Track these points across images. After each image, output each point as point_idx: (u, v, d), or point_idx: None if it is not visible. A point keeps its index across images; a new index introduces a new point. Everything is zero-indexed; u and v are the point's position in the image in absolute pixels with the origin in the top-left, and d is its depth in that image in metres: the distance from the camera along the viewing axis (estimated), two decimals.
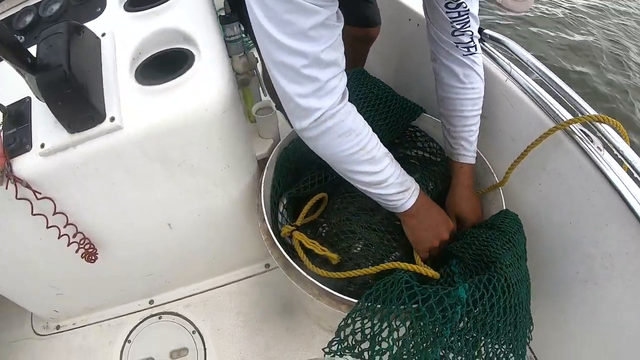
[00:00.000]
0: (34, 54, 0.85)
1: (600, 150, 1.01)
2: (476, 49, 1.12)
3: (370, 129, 0.95)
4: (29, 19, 1.16)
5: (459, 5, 1.03)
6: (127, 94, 0.97)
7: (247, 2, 0.79)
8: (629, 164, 0.94)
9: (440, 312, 0.84)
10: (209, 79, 0.99)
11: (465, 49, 1.10)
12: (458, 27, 1.06)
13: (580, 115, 1.02)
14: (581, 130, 1.05)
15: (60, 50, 0.85)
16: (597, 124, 1.00)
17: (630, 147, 0.97)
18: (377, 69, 1.92)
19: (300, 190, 1.23)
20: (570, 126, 1.05)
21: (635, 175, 0.93)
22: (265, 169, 1.22)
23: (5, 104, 1.00)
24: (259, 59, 1.34)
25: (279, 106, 1.01)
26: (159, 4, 1.11)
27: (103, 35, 1.06)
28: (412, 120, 1.38)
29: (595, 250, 1.04)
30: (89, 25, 1.08)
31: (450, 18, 1.05)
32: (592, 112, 1.02)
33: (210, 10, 1.13)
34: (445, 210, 1.16)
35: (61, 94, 0.86)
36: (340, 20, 0.85)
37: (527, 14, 5.06)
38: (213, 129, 1.02)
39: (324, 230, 1.23)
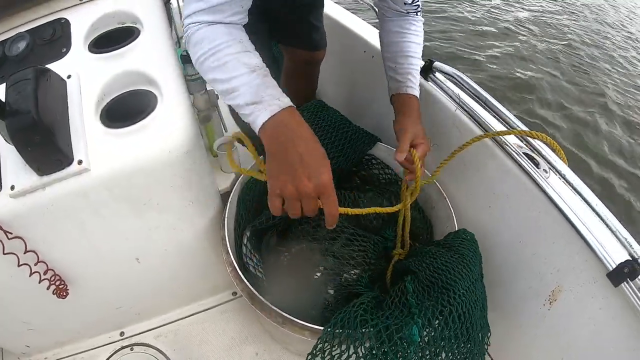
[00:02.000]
0: (2, 97, 0.90)
1: (546, 173, 1.13)
2: (419, 10, 1.28)
3: (238, 40, 0.91)
4: None
5: None
6: (94, 137, 1.03)
7: None
8: (565, 180, 1.07)
9: (392, 345, 0.93)
10: (171, 121, 1.05)
11: (413, 11, 1.26)
12: None
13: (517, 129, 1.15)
14: (525, 154, 1.17)
15: (29, 97, 0.90)
16: (539, 145, 1.13)
17: (567, 160, 1.11)
18: (334, 98, 2.04)
19: (263, 223, 1.29)
20: (515, 154, 1.17)
21: (576, 193, 1.05)
22: (228, 203, 1.29)
23: None
24: (219, 95, 1.45)
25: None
26: (123, 46, 1.17)
27: (69, 77, 1.11)
28: (369, 149, 1.48)
29: (545, 266, 1.15)
30: (55, 65, 1.14)
31: None
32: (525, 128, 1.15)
33: (172, 50, 1.20)
34: (397, 136, 1.18)
35: (30, 140, 0.91)
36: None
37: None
38: (177, 168, 1.08)
39: (286, 259, 1.32)
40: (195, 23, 0.88)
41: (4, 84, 0.95)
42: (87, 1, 1.27)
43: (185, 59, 1.27)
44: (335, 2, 2.10)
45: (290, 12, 1.61)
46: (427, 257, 1.13)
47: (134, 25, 1.24)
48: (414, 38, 1.28)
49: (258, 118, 0.85)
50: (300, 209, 0.85)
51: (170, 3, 1.49)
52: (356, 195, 1.37)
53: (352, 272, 1.24)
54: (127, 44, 1.18)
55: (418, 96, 1.27)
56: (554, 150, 1.13)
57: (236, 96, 0.88)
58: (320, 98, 2.02)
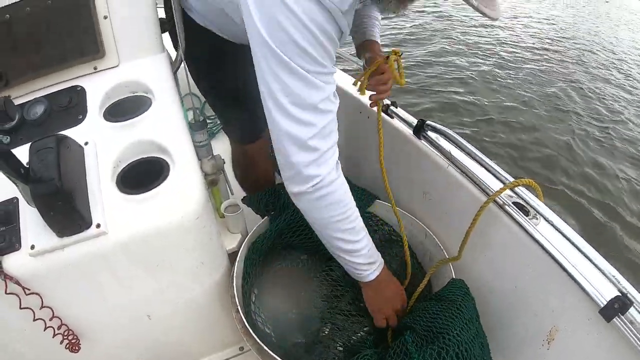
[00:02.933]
0: (20, 156, 0.95)
1: (537, 220, 1.22)
2: None
3: (354, 201, 1.14)
4: (10, 112, 1.25)
5: None
6: (111, 202, 1.10)
7: (262, 74, 0.96)
8: (554, 226, 1.16)
9: None
10: (183, 189, 1.13)
11: None
12: None
13: (505, 184, 1.24)
14: (515, 203, 1.25)
15: (52, 164, 0.97)
16: (526, 193, 1.22)
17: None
18: None
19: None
20: (506, 205, 1.27)
21: (564, 238, 1.13)
22: (236, 263, 1.35)
23: None
24: (225, 160, 1.54)
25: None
26: (136, 116, 1.25)
27: (86, 144, 1.18)
28: (367, 207, 1.57)
29: (541, 308, 1.21)
30: (72, 131, 1.22)
31: None
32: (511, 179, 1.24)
33: (182, 119, 1.28)
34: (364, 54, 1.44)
35: (53, 205, 0.97)
36: (337, 96, 1.04)
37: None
38: (188, 233, 1.15)
39: (294, 316, 1.37)
40: (320, 176, 1.03)
41: (27, 148, 1.01)
42: (102, 70, 1.36)
43: (193, 127, 1.37)
44: None
45: None
46: (422, 311, 1.22)
47: (146, 95, 1.33)
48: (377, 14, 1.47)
49: (370, 275, 1.22)
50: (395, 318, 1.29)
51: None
52: None
53: (359, 332, 1.32)
54: (140, 114, 1.26)
55: (378, 41, 1.47)
56: (537, 196, 1.23)
57: (358, 255, 1.17)
58: None
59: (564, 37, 10.74)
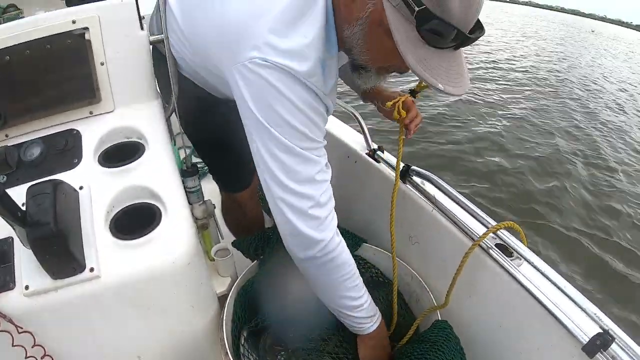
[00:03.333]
0: (16, 197, 0.98)
1: (520, 260, 1.27)
2: None
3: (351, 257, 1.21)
4: (10, 160, 1.28)
5: None
6: (104, 246, 1.12)
7: (258, 152, 1.04)
8: (535, 267, 1.22)
9: None
10: (175, 235, 1.17)
11: None
12: None
13: (489, 227, 1.29)
14: (497, 245, 1.31)
15: (48, 210, 0.99)
16: (508, 235, 1.29)
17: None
18: None
19: (259, 324, 1.39)
20: (490, 248, 1.33)
21: (545, 278, 1.19)
22: (226, 306, 1.38)
23: None
24: (216, 205, 1.58)
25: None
26: (130, 162, 1.29)
27: (81, 188, 1.21)
28: (355, 250, 1.60)
29: (527, 346, 1.26)
30: (67, 175, 1.25)
31: None
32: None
33: (174, 166, 1.32)
34: (381, 96, 1.45)
35: (49, 249, 1.00)
36: (329, 166, 1.13)
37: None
38: (179, 277, 1.19)
39: (283, 358, 1.40)
40: (325, 240, 1.11)
41: (23, 188, 1.04)
42: (97, 114, 1.41)
43: (184, 174, 1.42)
44: None
45: None
46: (407, 354, 1.28)
47: (139, 141, 1.37)
48: None
49: (371, 327, 1.27)
50: None
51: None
52: None
53: None
54: (134, 160, 1.30)
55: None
56: (520, 239, 1.29)
57: (361, 310, 1.23)
58: None
59: (554, 72, 11.37)
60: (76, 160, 1.31)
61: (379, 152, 1.76)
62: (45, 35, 1.35)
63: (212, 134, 1.55)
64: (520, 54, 14.59)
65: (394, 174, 1.55)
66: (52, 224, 0.99)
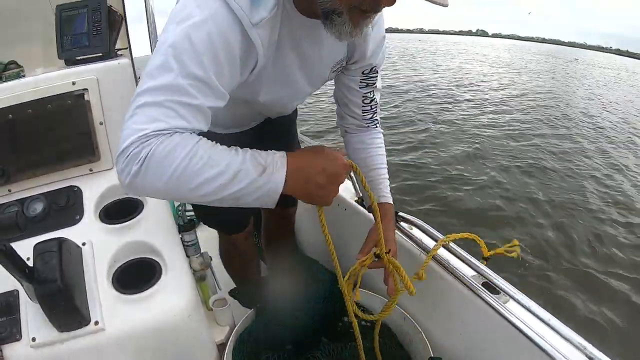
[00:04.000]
0: (21, 250, 1.04)
1: (506, 297, 1.32)
2: (378, 124, 1.47)
3: (203, 138, 0.89)
4: (21, 223, 1.36)
5: (372, 100, 1.39)
6: (107, 300, 1.20)
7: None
8: (520, 304, 1.29)
9: None
10: (175, 290, 1.26)
11: (373, 125, 1.45)
12: (367, 115, 1.42)
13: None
14: (484, 284, 1.36)
15: (55, 268, 1.08)
16: (493, 275, 1.36)
17: None
18: (314, 246, 2.25)
19: None
20: (476, 285, 1.39)
21: (530, 313, 1.25)
22: (225, 355, 1.42)
23: None
24: (212, 257, 1.66)
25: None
26: (130, 219, 1.37)
27: (83, 244, 1.29)
28: None
29: None
30: (70, 231, 1.33)
31: (362, 108, 1.40)
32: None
33: (171, 222, 1.41)
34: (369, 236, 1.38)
35: (55, 304, 1.08)
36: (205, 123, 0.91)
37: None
38: (180, 329, 1.26)
39: None
40: (147, 136, 0.82)
41: (27, 243, 1.14)
42: (97, 172, 1.50)
43: (182, 228, 1.51)
44: None
45: None
46: None
47: (138, 198, 1.46)
48: (378, 150, 1.46)
49: (277, 179, 0.92)
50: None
51: None
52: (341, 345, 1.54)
53: None
54: (134, 217, 1.39)
55: (391, 202, 1.47)
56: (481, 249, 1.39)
57: (241, 179, 0.88)
58: (302, 248, 2.25)
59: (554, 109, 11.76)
60: (78, 217, 1.39)
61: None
62: (47, 96, 1.45)
63: None
64: (515, 93, 15.03)
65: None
66: (58, 281, 1.07)
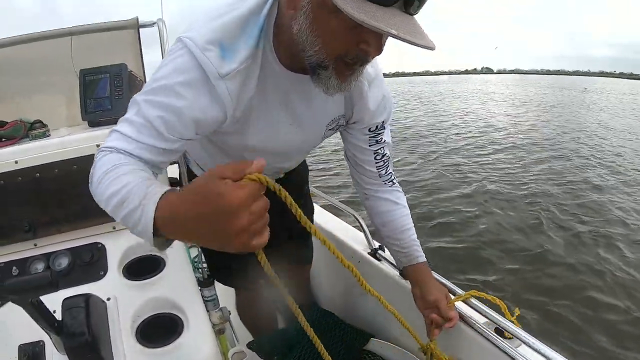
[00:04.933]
0: (48, 303, 1.14)
1: (517, 342, 1.36)
2: (395, 179, 1.49)
3: (138, 166, 0.95)
4: (40, 267, 1.51)
5: (384, 156, 1.42)
6: (131, 354, 1.29)
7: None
8: (533, 348, 1.33)
9: None
10: (196, 344, 1.34)
11: (389, 182, 1.48)
12: (382, 171, 1.44)
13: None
14: (495, 330, 1.42)
15: (82, 321, 1.18)
16: (503, 320, 1.41)
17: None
18: (329, 299, 2.34)
19: None
20: (488, 331, 1.43)
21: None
22: None
23: (18, 342, 1.28)
24: (231, 311, 1.76)
25: None
26: (152, 276, 1.49)
27: (108, 299, 1.39)
28: (363, 345, 1.73)
29: None
30: (94, 285, 1.45)
31: (376, 165, 1.42)
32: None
33: (192, 278, 1.51)
34: (433, 304, 1.45)
35: (83, 356, 1.18)
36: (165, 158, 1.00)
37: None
38: None
39: None
40: (105, 149, 0.97)
41: (54, 296, 1.16)
42: (120, 229, 1.62)
43: (201, 284, 1.61)
44: (322, 206, 2.49)
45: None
46: None
47: (160, 255, 1.58)
48: (404, 211, 1.51)
49: (146, 223, 0.79)
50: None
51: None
52: None
53: None
54: (156, 274, 1.50)
55: (425, 259, 1.53)
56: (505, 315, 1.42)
57: (126, 205, 0.84)
58: (316, 300, 2.34)
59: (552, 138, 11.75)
60: (102, 273, 1.50)
61: (380, 252, 1.93)
62: (72, 157, 1.59)
63: None
64: (532, 132, 14.93)
65: (396, 272, 1.73)
66: (86, 335, 1.18)
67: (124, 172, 0.90)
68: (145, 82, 1.61)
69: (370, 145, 1.40)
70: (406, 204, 1.54)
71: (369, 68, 1.20)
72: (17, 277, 1.37)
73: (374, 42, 0.91)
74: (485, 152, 11.23)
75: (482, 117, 20.29)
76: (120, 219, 0.89)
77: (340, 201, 2.32)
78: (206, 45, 0.97)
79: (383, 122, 1.37)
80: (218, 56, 0.98)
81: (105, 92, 1.78)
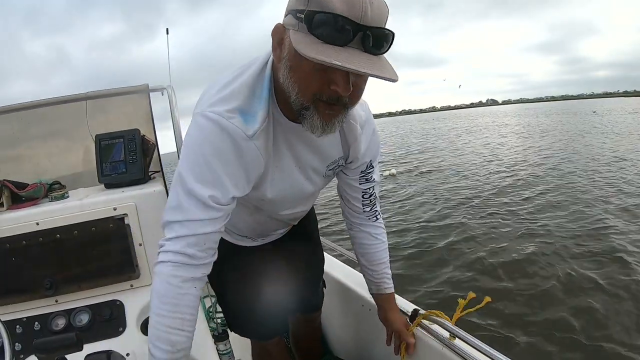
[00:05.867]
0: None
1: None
2: (379, 216, 1.71)
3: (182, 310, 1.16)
4: (61, 323, 1.64)
5: (371, 195, 1.63)
6: None
7: None
8: None
9: None
10: None
11: (373, 217, 1.69)
12: (367, 208, 1.66)
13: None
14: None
15: None
16: None
17: None
18: (341, 345, 2.47)
19: None
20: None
21: None
22: None
23: None
24: None
25: None
26: None
27: (127, 355, 1.51)
28: None
29: None
30: (114, 341, 1.58)
31: (362, 202, 1.63)
32: None
33: (207, 333, 1.64)
34: (385, 325, 1.79)
35: None
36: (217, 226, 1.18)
37: None
38: None
39: None
40: (165, 252, 1.14)
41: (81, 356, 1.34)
42: (137, 287, 1.76)
43: (217, 338, 1.73)
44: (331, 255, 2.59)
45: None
46: None
47: None
48: (381, 246, 1.74)
49: None
50: None
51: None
52: None
53: None
54: None
55: (393, 290, 1.80)
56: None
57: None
58: (331, 348, 2.48)
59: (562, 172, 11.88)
60: (121, 329, 1.64)
61: None
62: (91, 219, 1.74)
63: (237, 283, 1.79)
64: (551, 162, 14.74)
65: (403, 318, 1.84)
66: None
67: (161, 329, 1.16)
68: (157, 146, 1.79)
69: (360, 184, 1.59)
70: (385, 240, 1.76)
71: (360, 111, 1.39)
72: (45, 337, 1.50)
73: (340, 81, 1.02)
74: (534, 192, 10.50)
75: (510, 151, 20.14)
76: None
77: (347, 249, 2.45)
78: (229, 114, 1.14)
79: (371, 160, 1.55)
80: (242, 122, 1.15)
81: (120, 156, 1.95)
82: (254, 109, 1.18)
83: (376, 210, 1.71)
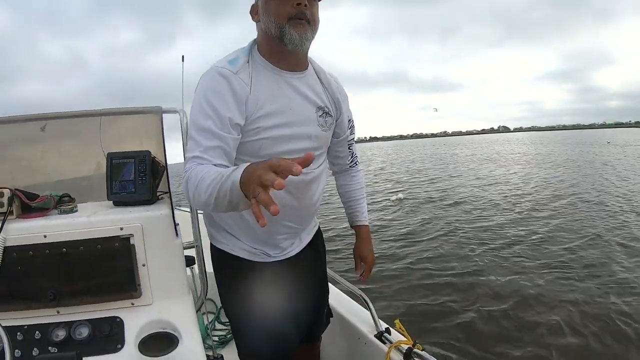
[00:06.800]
0: None
1: None
2: (357, 162, 2.32)
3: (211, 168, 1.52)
4: (61, 334, 1.73)
5: (351, 146, 2.22)
6: None
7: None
8: None
9: None
10: None
11: (353, 163, 2.29)
12: (349, 158, 2.26)
13: None
14: None
15: None
16: None
17: None
18: None
19: None
20: None
21: None
22: None
23: None
24: None
25: None
26: (166, 353, 1.69)
27: None
28: None
29: None
30: (112, 357, 1.67)
31: (349, 152, 2.22)
32: None
33: (203, 357, 1.73)
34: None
35: None
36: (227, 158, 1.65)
37: None
38: None
39: None
40: (192, 161, 1.58)
41: None
42: (138, 306, 1.86)
43: None
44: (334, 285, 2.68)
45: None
46: None
47: (174, 333, 1.79)
48: (356, 186, 2.32)
49: (236, 179, 1.26)
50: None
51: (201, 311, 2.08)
52: None
53: None
54: (170, 351, 1.71)
55: (367, 223, 2.33)
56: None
57: (227, 191, 1.31)
58: None
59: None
60: (119, 346, 1.74)
61: (385, 334, 2.14)
62: (98, 237, 1.85)
63: (249, 302, 1.94)
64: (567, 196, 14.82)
65: (400, 356, 1.94)
66: None
67: (208, 181, 1.42)
68: (167, 168, 1.93)
69: (351, 134, 2.18)
70: (360, 181, 2.35)
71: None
72: (48, 354, 1.62)
73: None
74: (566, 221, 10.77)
75: (533, 181, 20.21)
76: (215, 195, 1.38)
77: (350, 281, 2.57)
78: (222, 64, 1.70)
79: (351, 119, 2.16)
80: (229, 64, 1.70)
81: (130, 176, 2.06)
82: (237, 57, 1.75)
83: (355, 157, 2.29)
